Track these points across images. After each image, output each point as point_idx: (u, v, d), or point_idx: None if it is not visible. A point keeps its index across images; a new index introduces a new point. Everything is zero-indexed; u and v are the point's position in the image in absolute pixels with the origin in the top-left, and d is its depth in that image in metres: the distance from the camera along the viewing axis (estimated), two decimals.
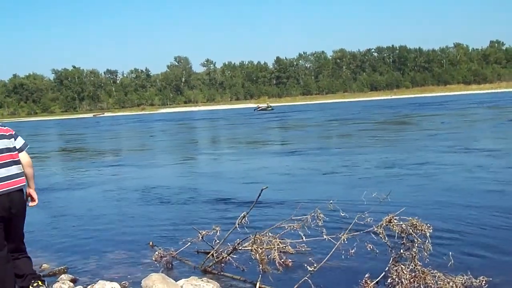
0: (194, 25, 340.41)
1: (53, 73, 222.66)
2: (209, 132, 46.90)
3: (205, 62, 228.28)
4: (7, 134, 5.22)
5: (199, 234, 7.27)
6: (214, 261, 6.91)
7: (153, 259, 7.33)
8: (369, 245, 6.11)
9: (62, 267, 7.28)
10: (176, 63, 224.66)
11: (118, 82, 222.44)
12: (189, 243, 7.42)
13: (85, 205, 12.57)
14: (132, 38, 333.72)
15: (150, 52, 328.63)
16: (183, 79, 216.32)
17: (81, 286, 6.25)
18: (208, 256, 7.05)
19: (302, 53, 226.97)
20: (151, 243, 8.31)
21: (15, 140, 5.28)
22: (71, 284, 6.44)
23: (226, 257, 6.88)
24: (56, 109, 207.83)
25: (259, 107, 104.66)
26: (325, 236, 6.29)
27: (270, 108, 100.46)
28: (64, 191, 14.84)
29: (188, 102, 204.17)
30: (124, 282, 6.37)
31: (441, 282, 5.56)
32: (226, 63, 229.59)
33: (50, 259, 7.88)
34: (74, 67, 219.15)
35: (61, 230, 9.96)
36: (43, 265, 7.46)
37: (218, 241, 7.04)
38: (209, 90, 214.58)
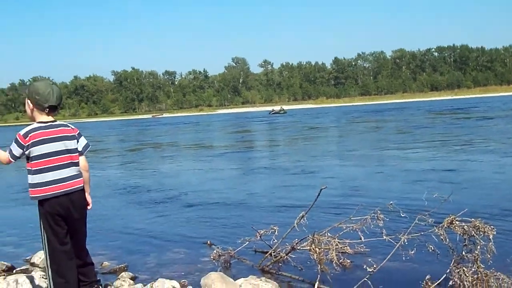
0: (252, 26, 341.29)
1: (112, 74, 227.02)
2: (273, 133, 46.85)
3: (263, 63, 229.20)
4: (70, 135, 5.28)
5: (257, 234, 7.27)
6: (272, 261, 6.89)
7: (211, 257, 7.36)
8: (430, 246, 5.99)
9: (122, 265, 7.37)
10: (234, 64, 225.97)
11: (176, 83, 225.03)
12: (247, 243, 7.42)
13: (144, 204, 12.72)
14: (190, 39, 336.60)
15: (208, 53, 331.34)
16: (240, 80, 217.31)
17: (141, 284, 6.30)
18: (266, 255, 7.03)
19: (361, 53, 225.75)
20: (209, 242, 8.35)
21: (77, 141, 5.34)
22: (131, 281, 6.51)
23: (284, 257, 6.86)
24: (116, 110, 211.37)
25: (273, 111, 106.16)
26: (384, 237, 6.22)
27: (283, 112, 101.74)
28: (125, 189, 15.04)
29: (246, 103, 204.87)
30: (183, 280, 6.39)
31: (505, 285, 5.42)
32: (284, 63, 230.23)
33: (111, 257, 7.98)
34: (133, 68, 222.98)
35: (121, 228, 10.08)
36: (104, 263, 7.56)
37: (276, 240, 7.02)
38: (267, 91, 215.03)
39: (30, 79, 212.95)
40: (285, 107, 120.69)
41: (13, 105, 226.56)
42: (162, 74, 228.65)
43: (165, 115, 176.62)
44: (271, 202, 11.89)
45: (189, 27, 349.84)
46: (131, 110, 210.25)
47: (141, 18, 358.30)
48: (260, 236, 7.23)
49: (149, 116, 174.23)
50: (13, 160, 5.20)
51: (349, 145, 27.26)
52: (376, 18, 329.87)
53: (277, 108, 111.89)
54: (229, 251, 7.33)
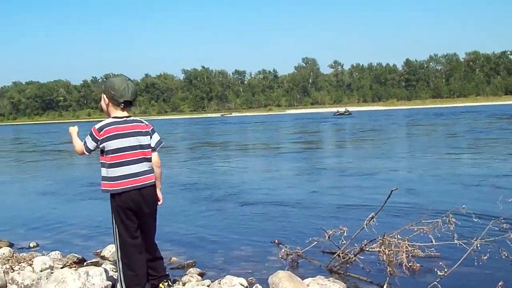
0: (322, 27, 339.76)
1: (183, 73, 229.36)
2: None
3: (333, 64, 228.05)
4: (143, 130, 5.36)
5: (326, 234, 7.22)
6: (340, 261, 6.84)
7: (279, 256, 7.34)
8: (504, 252, 5.85)
9: (190, 261, 7.42)
10: (304, 64, 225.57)
11: (246, 82, 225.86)
12: (315, 243, 7.38)
13: (209, 201, 12.84)
14: (260, 39, 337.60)
15: (278, 53, 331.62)
16: (310, 80, 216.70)
17: (208, 280, 6.33)
18: (335, 256, 6.98)
19: (433, 55, 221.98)
20: (276, 241, 8.33)
21: (151, 137, 5.42)
22: (199, 277, 6.55)
23: (352, 258, 6.80)
24: (185, 108, 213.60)
25: (338, 112, 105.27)
26: (456, 241, 6.09)
27: (347, 113, 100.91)
28: (190, 186, 15.18)
29: (315, 104, 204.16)
30: (250, 278, 6.40)
31: None
32: (354, 64, 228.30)
33: (178, 252, 8.05)
34: (203, 67, 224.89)
35: (188, 225, 10.18)
36: (172, 258, 7.64)
37: (344, 241, 6.96)
38: (336, 92, 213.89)
39: (102, 76, 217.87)
40: (354, 109, 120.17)
41: (85, 101, 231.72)
42: (232, 73, 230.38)
43: (234, 114, 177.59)
44: (334, 202, 11.83)
45: (259, 27, 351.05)
46: (200, 108, 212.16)
47: (212, 17, 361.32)
48: (328, 237, 7.18)
49: (218, 115, 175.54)
50: (87, 153, 5.31)
51: (404, 147, 27.03)
52: (449, 20, 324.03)
53: (341, 109, 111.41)
54: (297, 250, 7.29)
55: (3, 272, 6.45)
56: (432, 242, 6.36)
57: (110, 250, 7.93)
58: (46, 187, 16.92)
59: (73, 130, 5.68)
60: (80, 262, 7.58)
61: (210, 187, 15.21)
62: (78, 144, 5.40)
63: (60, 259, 7.63)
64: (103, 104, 5.41)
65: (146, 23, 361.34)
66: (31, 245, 9.06)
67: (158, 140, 5.48)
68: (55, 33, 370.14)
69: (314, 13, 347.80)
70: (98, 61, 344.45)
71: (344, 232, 6.96)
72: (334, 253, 7.11)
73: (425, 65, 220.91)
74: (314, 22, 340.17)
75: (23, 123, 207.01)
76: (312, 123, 71.31)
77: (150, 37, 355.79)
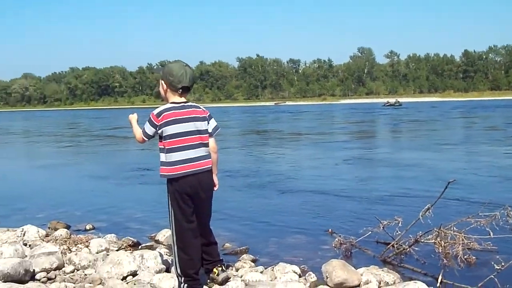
0: (379, 16, 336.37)
1: (237, 61, 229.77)
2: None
3: (389, 54, 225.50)
4: (201, 116, 5.38)
5: (380, 224, 7.17)
6: (394, 252, 6.78)
7: (333, 245, 7.34)
8: None
9: (243, 247, 7.46)
10: (359, 54, 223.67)
11: (300, 71, 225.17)
12: (370, 233, 7.34)
13: (260, 189, 12.90)
14: (316, 28, 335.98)
15: (333, 42, 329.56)
16: (365, 70, 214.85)
17: (262, 267, 6.34)
18: (389, 246, 6.93)
19: (492, 46, 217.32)
20: (330, 230, 8.32)
21: (208, 123, 5.45)
22: (252, 264, 6.57)
23: (407, 249, 6.74)
24: (239, 96, 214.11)
25: (388, 103, 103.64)
26: None
27: (398, 104, 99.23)
28: (242, 174, 15.23)
29: (370, 94, 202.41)
30: (303, 266, 6.39)
31: None
32: (411, 55, 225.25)
33: (231, 238, 8.10)
34: (258, 55, 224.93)
35: (241, 212, 10.23)
36: (226, 244, 7.69)
37: (399, 232, 6.90)
38: (392, 82, 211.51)
39: (157, 63, 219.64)
40: (409, 100, 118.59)
41: (140, 88, 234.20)
42: (287, 62, 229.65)
43: (287, 103, 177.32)
44: (385, 192, 11.77)
45: (314, 16, 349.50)
46: (254, 97, 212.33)
47: (268, 5, 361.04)
48: (383, 227, 7.14)
49: (272, 103, 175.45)
50: (146, 139, 5.37)
51: (456, 138, 26.54)
52: (509, 10, 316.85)
53: (392, 100, 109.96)
54: (351, 240, 7.27)
55: (61, 252, 6.58)
56: (490, 235, 6.24)
57: (164, 235, 8.02)
58: (100, 171, 17.20)
59: (133, 117, 5.74)
60: (134, 246, 7.69)
61: (261, 174, 15.26)
62: (138, 132, 5.46)
63: (115, 242, 7.76)
64: (161, 90, 5.45)
65: (203, 11, 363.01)
66: (87, 227, 9.23)
67: (215, 126, 5.51)
68: (111, 20, 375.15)
69: (370, 2, 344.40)
70: (154, 48, 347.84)
71: (398, 223, 6.90)
72: (388, 243, 7.06)
73: (484, 56, 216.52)
74: (370, 11, 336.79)
75: (79, 108, 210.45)
76: (358, 113, 70.60)
77: (206, 24, 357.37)
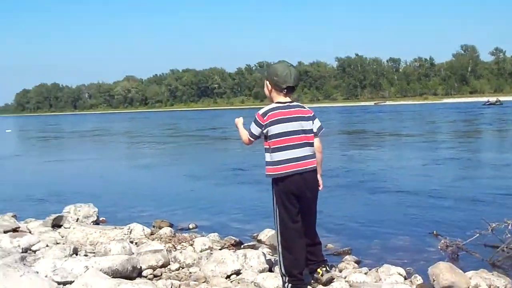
0: (482, 12, 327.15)
1: (336, 60, 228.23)
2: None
3: (494, 51, 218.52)
4: (305, 115, 5.37)
5: (489, 227, 6.95)
6: (504, 256, 6.56)
7: (438, 248, 7.17)
8: None
9: (346, 248, 7.42)
10: (462, 52, 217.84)
11: (400, 70, 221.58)
12: (477, 235, 7.12)
13: (359, 189, 12.86)
14: (416, 25, 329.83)
15: (435, 40, 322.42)
16: (469, 69, 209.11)
17: (366, 268, 6.27)
18: (498, 250, 6.71)
19: None
20: (434, 232, 8.16)
21: (312, 123, 5.43)
22: (356, 265, 6.52)
23: None
24: (338, 96, 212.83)
25: (488, 102, 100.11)
26: None
27: (498, 103, 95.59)
28: (339, 174, 15.14)
29: (474, 93, 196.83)
30: (408, 268, 6.28)
31: None
32: None
33: (334, 239, 8.07)
34: (357, 55, 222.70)
35: (343, 212, 10.18)
36: (328, 245, 7.65)
37: (509, 235, 6.67)
38: (497, 80, 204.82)
39: (256, 64, 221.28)
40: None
41: (239, 88, 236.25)
42: (386, 61, 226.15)
43: (388, 102, 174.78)
44: (490, 194, 11.43)
45: (414, 14, 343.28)
46: (353, 96, 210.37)
47: (366, 4, 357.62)
48: (491, 229, 6.91)
49: (372, 103, 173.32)
50: (253, 139, 5.40)
51: None
52: None
53: (492, 99, 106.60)
54: (457, 242, 7.08)
55: (166, 250, 6.71)
56: None
57: (267, 234, 8.06)
58: (199, 171, 17.51)
59: (239, 121, 5.77)
60: (237, 245, 7.77)
61: (360, 174, 15.15)
62: (244, 133, 5.50)
63: (218, 241, 7.86)
64: (266, 90, 5.47)
65: (301, 11, 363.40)
66: (190, 226, 9.40)
67: (320, 126, 5.47)
68: (210, 22, 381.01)
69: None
70: (252, 49, 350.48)
71: (508, 225, 6.67)
72: (497, 246, 6.83)
73: None
74: (473, 7, 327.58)
75: (180, 109, 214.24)
76: (457, 113, 68.60)
77: (304, 25, 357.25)
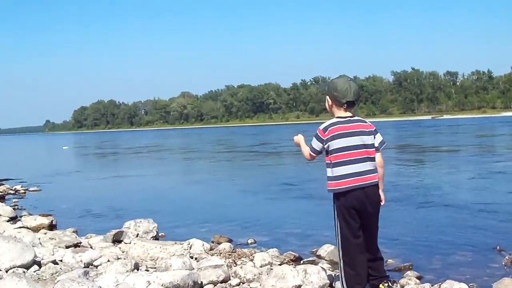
0: None
1: (392, 75, 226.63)
2: None
3: None
4: (367, 130, 5.37)
5: None
6: None
7: (503, 263, 7.05)
8: None
9: (407, 264, 7.34)
10: None
11: (458, 84, 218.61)
12: None
13: (419, 203, 12.66)
14: (473, 38, 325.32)
15: (493, 53, 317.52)
16: None
17: (428, 284, 6.17)
18: None
19: None
20: (498, 247, 7.99)
21: (374, 137, 5.42)
22: (417, 281, 6.43)
23: None
24: (394, 110, 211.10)
25: None
26: None
27: None
28: (401, 188, 14.96)
29: None
30: (471, 284, 6.18)
31: None
32: None
33: (395, 255, 7.98)
34: (413, 69, 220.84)
35: (402, 227, 10.07)
36: (388, 260, 7.56)
37: None
38: None
39: (311, 79, 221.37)
40: None
41: (294, 104, 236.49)
42: (443, 74, 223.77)
43: (445, 116, 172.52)
44: None
45: (469, 27, 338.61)
46: (410, 111, 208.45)
47: (421, 17, 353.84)
48: None
49: (429, 117, 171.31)
50: (314, 154, 5.41)
51: None
52: None
53: None
54: None
55: (226, 266, 6.73)
56: None
57: (326, 250, 8.03)
58: (256, 186, 17.56)
59: (300, 137, 5.77)
60: (296, 260, 7.75)
61: (417, 189, 15.00)
62: (306, 149, 5.52)
63: (277, 256, 7.86)
64: (327, 105, 5.51)
65: (356, 27, 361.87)
66: (249, 241, 9.42)
67: (381, 140, 5.45)
68: (264, 37, 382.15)
69: None
70: (307, 63, 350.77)
71: None
72: None
73: None
74: None
75: (235, 125, 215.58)
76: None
77: (359, 39, 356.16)
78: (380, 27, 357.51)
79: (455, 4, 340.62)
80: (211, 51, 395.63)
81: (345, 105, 5.31)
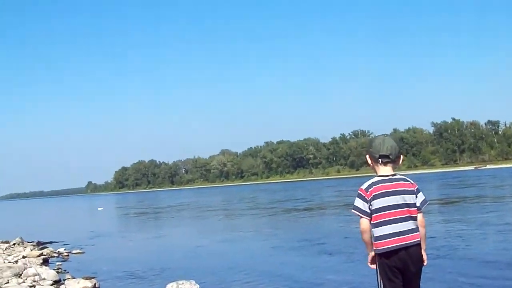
0: None
1: (432, 126, 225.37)
2: None
3: None
4: (409, 189, 5.31)
5: None
6: None
7: None
8: None
9: None
10: None
11: (500, 132, 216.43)
12: None
13: (459, 260, 12.54)
14: None
15: None
16: None
17: None
18: None
19: None
20: None
21: (416, 196, 5.36)
22: None
23: None
24: (436, 162, 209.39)
25: None
26: None
27: None
28: (440, 245, 14.73)
29: None
30: None
31: None
32: None
33: None
34: (453, 119, 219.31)
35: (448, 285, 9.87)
36: None
37: None
38: None
39: (350, 133, 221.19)
40: None
41: (334, 158, 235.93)
42: (485, 123, 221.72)
43: (488, 166, 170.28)
44: None
45: (510, 74, 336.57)
46: (452, 161, 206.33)
47: (457, 68, 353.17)
48: None
49: (472, 167, 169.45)
50: (366, 217, 5.22)
51: None
52: None
53: None
54: None
55: None
56: None
57: None
58: (293, 243, 17.56)
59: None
60: None
61: (460, 245, 14.78)
62: (365, 227, 5.28)
63: None
64: (370, 163, 5.49)
65: (394, 78, 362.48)
66: None
67: (423, 200, 5.38)
68: (302, 93, 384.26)
69: None
70: (346, 118, 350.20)
71: None
72: None
73: None
74: None
75: (276, 181, 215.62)
76: None
77: (398, 91, 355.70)
78: (418, 78, 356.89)
79: (489, 52, 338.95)
80: (250, 108, 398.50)
81: (380, 160, 5.29)
